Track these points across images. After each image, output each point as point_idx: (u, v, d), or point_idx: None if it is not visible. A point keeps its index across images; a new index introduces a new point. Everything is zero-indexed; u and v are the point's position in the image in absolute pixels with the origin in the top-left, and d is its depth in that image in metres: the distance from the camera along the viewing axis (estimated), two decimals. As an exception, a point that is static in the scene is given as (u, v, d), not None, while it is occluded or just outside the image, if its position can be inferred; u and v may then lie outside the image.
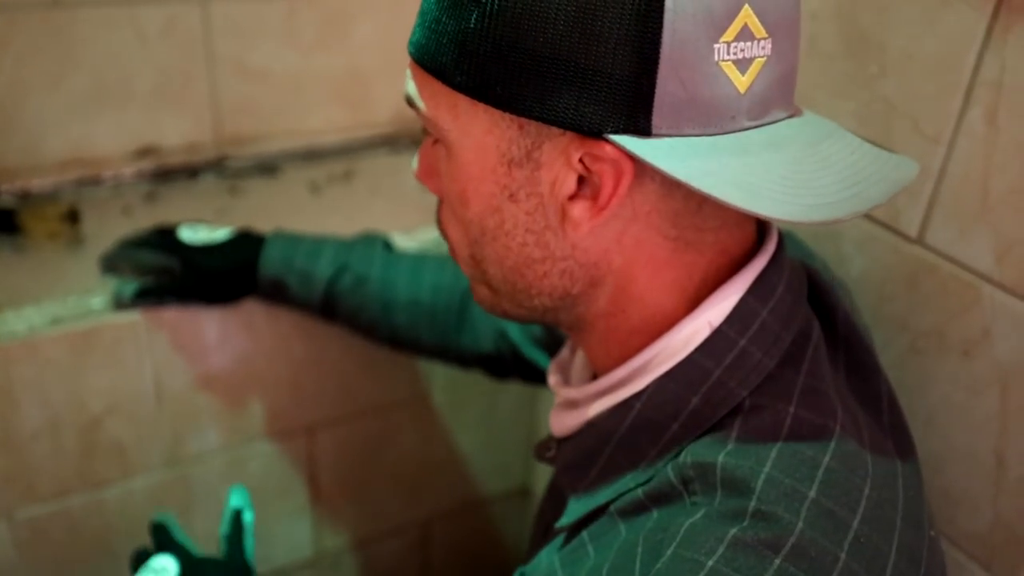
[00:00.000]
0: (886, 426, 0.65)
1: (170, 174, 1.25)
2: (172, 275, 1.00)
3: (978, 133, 0.69)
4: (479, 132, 0.59)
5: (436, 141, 0.64)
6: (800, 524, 0.53)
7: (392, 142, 1.43)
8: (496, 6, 0.54)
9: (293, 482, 1.21)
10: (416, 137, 1.45)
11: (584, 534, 0.64)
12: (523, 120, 0.57)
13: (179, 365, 1.05)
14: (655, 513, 0.59)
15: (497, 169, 0.60)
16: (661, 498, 0.59)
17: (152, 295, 1.01)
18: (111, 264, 1.00)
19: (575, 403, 0.69)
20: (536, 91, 0.55)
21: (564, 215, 0.59)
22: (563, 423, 0.70)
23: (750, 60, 0.54)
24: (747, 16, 0.53)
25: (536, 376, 0.99)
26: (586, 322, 0.65)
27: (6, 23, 1.08)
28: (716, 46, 0.53)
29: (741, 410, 0.60)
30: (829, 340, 0.66)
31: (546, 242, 0.61)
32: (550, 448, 0.72)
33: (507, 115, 0.57)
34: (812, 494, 0.55)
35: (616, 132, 0.54)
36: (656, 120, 0.54)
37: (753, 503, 0.54)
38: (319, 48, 1.31)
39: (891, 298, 0.79)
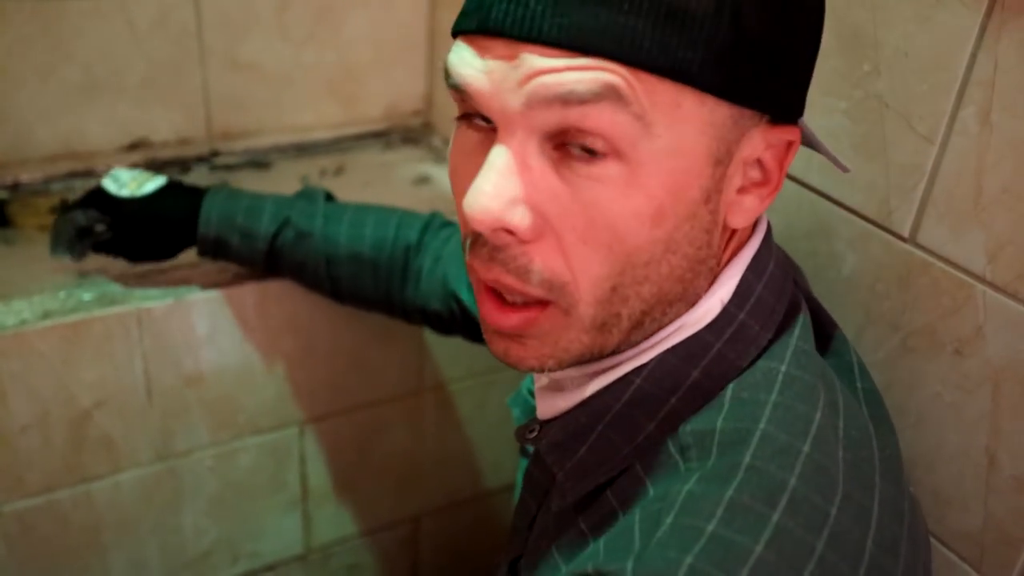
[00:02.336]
0: (859, 392, 0.66)
1: (161, 167, 1.24)
2: (106, 232, 0.99)
3: (971, 132, 0.69)
4: (694, 132, 0.54)
5: (597, 158, 0.54)
6: (793, 480, 0.53)
7: (384, 137, 1.43)
8: (758, 7, 0.53)
9: (283, 477, 1.21)
10: (408, 132, 1.45)
11: (580, 522, 0.63)
12: (739, 112, 0.55)
13: (169, 359, 1.05)
14: (650, 487, 0.59)
15: (704, 170, 0.55)
16: (657, 469, 0.59)
17: (96, 249, 1.00)
18: (56, 240, 0.99)
19: (563, 385, 0.66)
20: (776, 85, 0.56)
21: (732, 209, 0.59)
22: (553, 405, 0.66)
23: None
24: None
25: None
26: (626, 343, 0.61)
27: (-3, 14, 1.07)
28: None
29: (737, 376, 0.61)
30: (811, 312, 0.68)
31: (710, 242, 0.59)
32: (532, 430, 0.69)
33: (724, 109, 0.54)
34: (806, 448, 0.55)
35: (795, 120, 0.59)
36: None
37: (747, 459, 0.54)
38: (311, 42, 1.30)
39: (883, 297, 0.79)
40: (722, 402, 0.59)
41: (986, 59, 0.68)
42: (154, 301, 1.01)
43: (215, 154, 1.29)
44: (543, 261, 0.56)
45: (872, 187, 0.78)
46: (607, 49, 0.51)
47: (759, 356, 0.61)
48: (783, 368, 0.60)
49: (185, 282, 1.05)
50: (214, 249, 1.01)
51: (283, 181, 1.27)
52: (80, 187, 1.13)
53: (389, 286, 1.01)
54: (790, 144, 0.59)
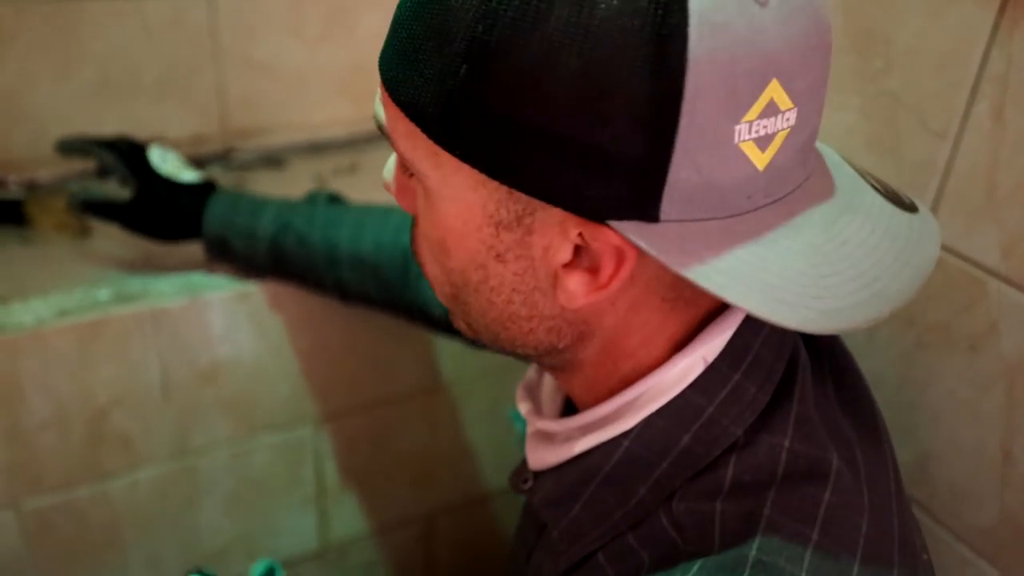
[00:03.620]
0: (881, 435, 0.63)
1: (176, 167, 1.25)
2: (126, 192, 1.00)
3: (984, 128, 0.69)
4: (463, 187, 0.53)
5: (412, 175, 0.57)
6: (803, 574, 0.51)
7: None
8: (490, 68, 0.47)
9: (299, 474, 1.21)
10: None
11: None
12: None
13: (185, 357, 1.05)
14: (647, 560, 0.58)
15: (483, 228, 0.54)
16: (654, 545, 0.58)
17: (100, 210, 1.01)
18: (68, 146, 1.01)
19: (552, 436, 0.65)
20: (532, 166, 0.49)
21: (556, 281, 0.54)
22: (542, 458, 0.66)
23: (772, 135, 0.49)
24: (774, 90, 0.48)
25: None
26: (571, 366, 0.62)
27: (13, 15, 1.08)
28: (737, 127, 0.47)
29: (736, 447, 0.57)
30: (811, 352, 0.63)
31: (534, 302, 0.56)
32: (526, 479, 0.68)
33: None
34: (815, 536, 0.53)
35: (620, 218, 0.49)
36: (665, 207, 0.48)
37: (754, 553, 0.52)
38: (325, 41, 1.31)
39: (897, 293, 0.79)
40: (721, 480, 0.56)
41: (999, 55, 0.68)
42: (170, 299, 1.02)
43: (230, 152, 1.30)
44: (419, 250, 0.61)
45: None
46: (387, 85, 0.54)
47: (757, 422, 0.57)
48: (786, 444, 0.56)
49: (195, 266, 1.06)
50: (220, 248, 1.01)
51: (297, 179, 1.28)
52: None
53: (391, 289, 1.00)
54: (620, 252, 0.51)
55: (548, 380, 0.72)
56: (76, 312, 0.98)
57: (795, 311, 0.48)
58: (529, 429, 0.68)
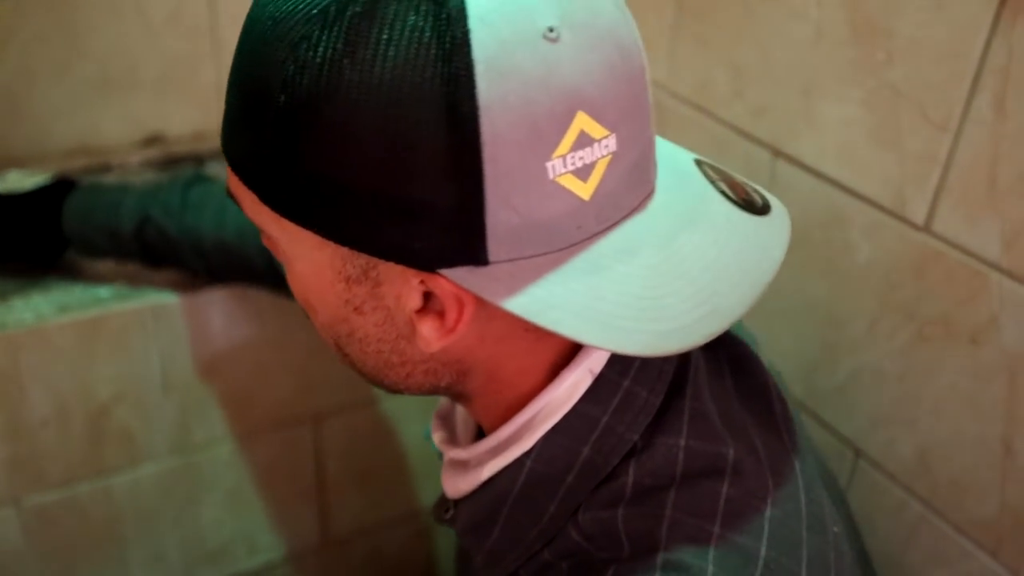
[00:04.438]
0: (779, 419, 0.63)
1: (177, 162, 1.24)
2: None
3: (986, 120, 0.69)
4: (309, 247, 0.53)
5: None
6: (710, 568, 0.52)
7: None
8: (298, 132, 0.48)
9: (300, 469, 1.21)
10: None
11: None
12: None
13: (186, 353, 1.05)
14: (566, 569, 0.59)
15: (336, 284, 0.54)
16: (569, 556, 0.59)
17: None
18: None
19: (465, 463, 0.65)
20: (357, 224, 0.49)
21: (414, 329, 0.54)
22: (456, 486, 0.66)
23: (592, 164, 0.49)
24: (582, 122, 0.48)
25: None
26: (463, 397, 0.63)
27: (12, 11, 1.08)
28: (549, 164, 0.47)
29: (634, 452, 0.57)
30: (708, 344, 0.63)
31: (402, 349, 0.57)
32: (448, 509, 0.68)
33: None
34: (716, 530, 0.54)
35: (450, 265, 0.49)
36: (492, 249, 0.48)
37: (661, 554, 0.53)
38: (325, 36, 1.30)
39: (898, 286, 0.79)
40: (623, 487, 0.57)
41: (1001, 46, 0.67)
42: (169, 296, 1.02)
43: (230, 149, 1.29)
44: (298, 299, 0.61)
45: (887, 176, 0.77)
46: (225, 154, 0.55)
47: (652, 425, 0.58)
48: (682, 443, 0.57)
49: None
50: (87, 249, 0.97)
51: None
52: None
53: (260, 272, 0.95)
54: (458, 297, 0.51)
55: (461, 409, 0.72)
56: (77, 308, 0.98)
57: (631, 336, 0.48)
58: (444, 459, 0.69)
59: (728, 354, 0.64)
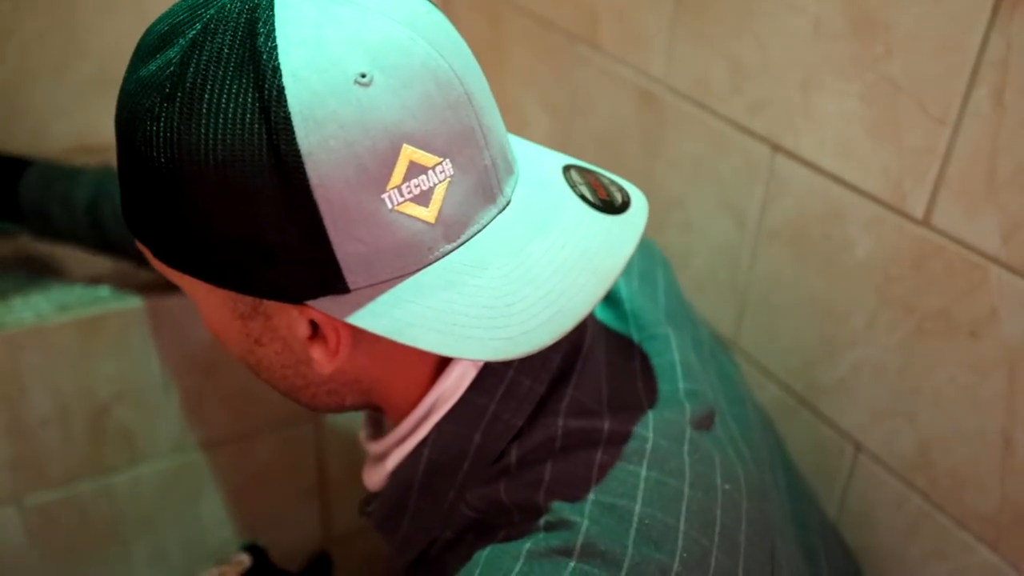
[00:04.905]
0: (680, 393, 0.66)
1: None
2: None
3: (984, 113, 0.69)
4: (204, 293, 0.59)
5: None
6: (586, 522, 0.56)
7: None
8: (159, 187, 0.53)
9: (301, 467, 1.21)
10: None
11: None
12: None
13: (186, 351, 1.05)
14: (466, 539, 0.63)
15: (234, 322, 0.60)
16: (468, 529, 0.63)
17: None
18: None
19: (381, 456, 0.70)
20: (229, 269, 0.54)
21: (309, 355, 0.59)
22: (371, 478, 0.72)
23: (430, 190, 0.53)
24: (409, 154, 0.52)
25: None
26: (370, 404, 0.68)
27: (11, 10, 1.07)
28: (385, 196, 0.52)
29: (519, 436, 0.62)
30: (626, 329, 0.70)
31: (304, 374, 0.62)
32: (369, 503, 0.73)
33: None
34: (591, 496, 0.58)
35: (316, 296, 0.54)
36: (350, 278, 0.53)
37: (544, 517, 0.58)
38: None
39: (897, 279, 0.79)
40: (507, 465, 0.62)
41: (999, 39, 0.67)
42: (169, 295, 1.02)
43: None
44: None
45: (885, 170, 0.77)
46: (121, 208, 0.60)
47: (536, 411, 0.62)
48: (560, 423, 0.61)
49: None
50: (40, 224, 0.96)
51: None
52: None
53: None
54: (332, 322, 0.56)
55: None
56: (77, 307, 0.98)
57: (483, 344, 0.52)
58: (368, 455, 0.74)
59: (642, 337, 0.71)
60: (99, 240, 0.96)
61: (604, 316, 0.73)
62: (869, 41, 0.76)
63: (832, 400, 0.88)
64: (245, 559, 0.91)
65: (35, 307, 0.97)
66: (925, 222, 0.75)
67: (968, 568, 0.78)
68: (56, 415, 1.00)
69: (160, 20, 0.56)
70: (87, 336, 0.98)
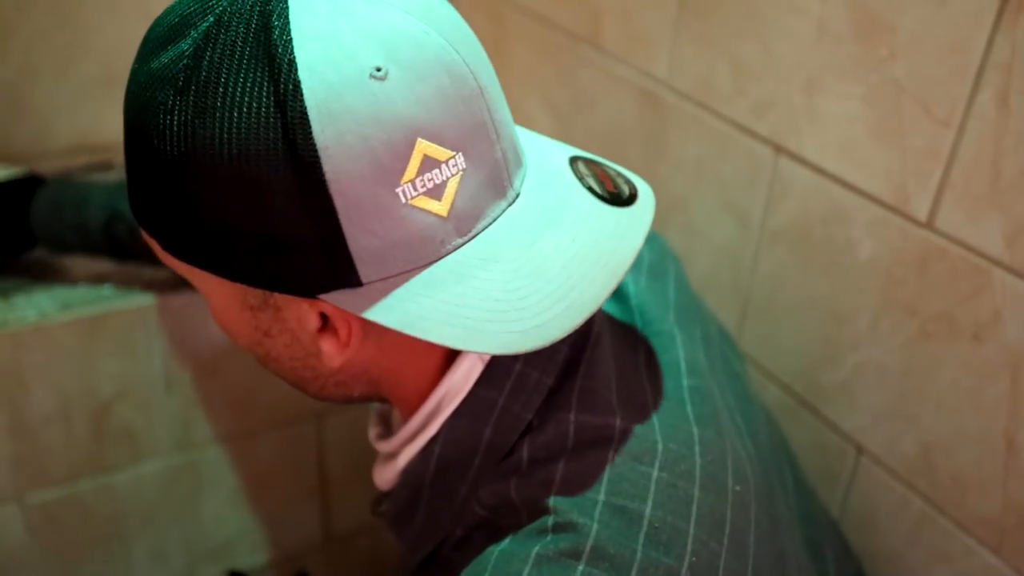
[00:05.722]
0: (684, 390, 0.66)
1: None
2: None
3: (989, 116, 0.69)
4: (214, 285, 0.59)
5: None
6: (595, 525, 0.56)
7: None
8: (173, 182, 0.53)
9: (302, 467, 1.21)
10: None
11: None
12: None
13: (188, 350, 1.05)
14: (476, 538, 0.62)
15: (243, 313, 0.60)
16: (478, 527, 0.63)
17: None
18: None
19: (392, 455, 0.71)
20: (241, 261, 0.54)
21: (319, 346, 0.59)
22: (382, 477, 0.72)
23: (443, 183, 0.53)
24: (424, 148, 0.52)
25: None
26: (383, 400, 0.68)
27: (15, 9, 1.08)
28: (399, 189, 0.52)
29: (530, 430, 0.62)
30: (624, 327, 0.70)
31: (313, 366, 0.62)
32: (381, 502, 0.73)
33: None
34: (601, 497, 0.57)
35: (329, 289, 0.54)
36: (362, 271, 0.53)
37: (552, 518, 0.57)
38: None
39: (900, 282, 0.79)
40: (519, 462, 0.61)
41: (1004, 42, 0.67)
42: (172, 293, 1.02)
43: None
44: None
45: (889, 172, 0.77)
46: (130, 205, 0.61)
47: (546, 404, 0.62)
48: (572, 417, 0.61)
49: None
50: (55, 245, 0.98)
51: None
52: (99, 180, 1.13)
53: None
54: (344, 315, 0.57)
55: None
56: (79, 306, 0.98)
57: (495, 338, 0.53)
58: (379, 455, 0.74)
59: (647, 333, 0.71)
60: (118, 255, 0.97)
61: (611, 311, 0.73)
62: (873, 43, 0.76)
63: (834, 402, 0.88)
64: None
65: (38, 305, 0.97)
66: (929, 225, 0.75)
67: (970, 572, 0.78)
68: (58, 413, 1.00)
69: (169, 11, 0.56)
70: (89, 335, 0.98)
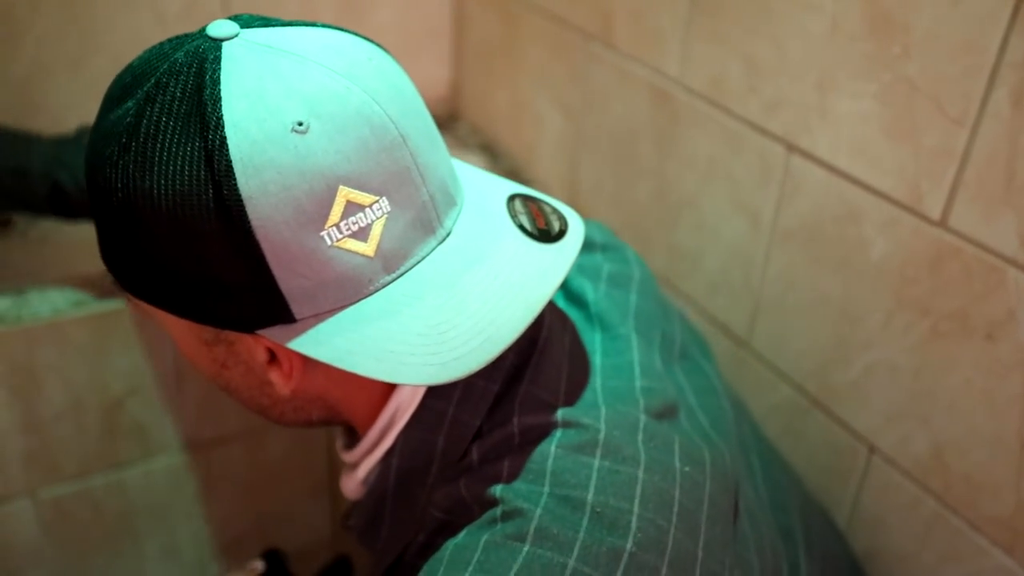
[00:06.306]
0: (637, 391, 0.68)
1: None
2: None
3: (1003, 115, 0.69)
4: (171, 321, 0.63)
5: None
6: (539, 510, 0.58)
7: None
8: (119, 228, 0.58)
9: (312, 463, 1.22)
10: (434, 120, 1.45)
11: None
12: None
13: (200, 347, 1.06)
14: (437, 541, 0.64)
15: (200, 347, 0.65)
16: (438, 531, 0.65)
17: None
18: None
19: (354, 466, 0.73)
20: (187, 300, 0.58)
21: (269, 378, 0.64)
22: (347, 486, 0.75)
23: (368, 226, 0.57)
24: (346, 194, 0.55)
25: None
26: (338, 418, 0.72)
27: (28, 6, 1.08)
28: (323, 233, 0.55)
29: (480, 435, 0.65)
30: (589, 324, 0.73)
31: (269, 394, 0.67)
32: (351, 516, 0.75)
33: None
34: (546, 490, 0.60)
35: (266, 326, 0.58)
36: (295, 308, 0.57)
37: (500, 508, 0.60)
38: (338, 30, 1.30)
39: (913, 281, 0.78)
40: (469, 464, 0.64)
41: (1018, 41, 0.67)
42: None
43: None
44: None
45: (902, 171, 0.77)
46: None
47: (492, 410, 0.65)
48: (516, 420, 0.64)
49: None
50: None
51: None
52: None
53: None
54: (285, 351, 0.61)
55: None
56: (92, 303, 0.98)
57: (417, 370, 0.56)
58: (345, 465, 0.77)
59: (605, 335, 0.73)
60: (61, 208, 0.95)
61: (572, 317, 0.75)
62: (886, 41, 0.76)
63: (846, 402, 0.88)
64: (259, 565, 0.92)
65: (51, 302, 0.97)
66: (942, 223, 0.75)
67: (982, 572, 0.77)
68: (70, 409, 1.00)
69: (126, 70, 0.60)
70: (102, 331, 0.99)
